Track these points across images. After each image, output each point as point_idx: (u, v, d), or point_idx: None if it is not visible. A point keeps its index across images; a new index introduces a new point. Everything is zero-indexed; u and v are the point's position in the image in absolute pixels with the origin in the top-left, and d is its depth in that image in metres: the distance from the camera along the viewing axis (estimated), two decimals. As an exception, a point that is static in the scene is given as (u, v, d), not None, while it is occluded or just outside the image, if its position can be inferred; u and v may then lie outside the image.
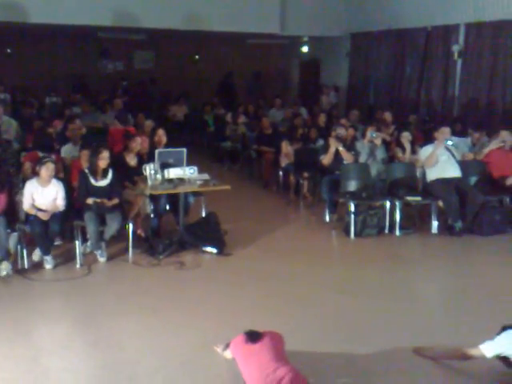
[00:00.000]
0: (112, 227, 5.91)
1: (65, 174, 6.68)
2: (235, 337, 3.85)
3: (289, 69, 17.31)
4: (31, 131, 8.60)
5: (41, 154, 6.69)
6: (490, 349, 3.75)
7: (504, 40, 10.01)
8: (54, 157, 6.54)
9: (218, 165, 10.91)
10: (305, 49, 16.37)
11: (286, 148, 8.82)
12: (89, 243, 6.06)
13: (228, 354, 3.96)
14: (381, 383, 3.91)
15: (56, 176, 6.00)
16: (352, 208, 6.86)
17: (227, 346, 3.97)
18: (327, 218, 7.53)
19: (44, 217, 5.70)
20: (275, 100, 12.64)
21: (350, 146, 7.80)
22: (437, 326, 4.76)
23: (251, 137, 10.31)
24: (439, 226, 7.08)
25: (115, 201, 6.00)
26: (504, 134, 7.57)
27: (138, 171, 6.53)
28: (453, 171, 7.21)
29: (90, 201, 5.87)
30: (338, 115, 11.28)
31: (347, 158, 7.54)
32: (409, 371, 4.04)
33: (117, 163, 6.38)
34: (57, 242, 6.19)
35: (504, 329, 3.80)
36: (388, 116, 9.92)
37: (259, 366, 3.55)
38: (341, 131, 7.88)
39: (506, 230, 7.05)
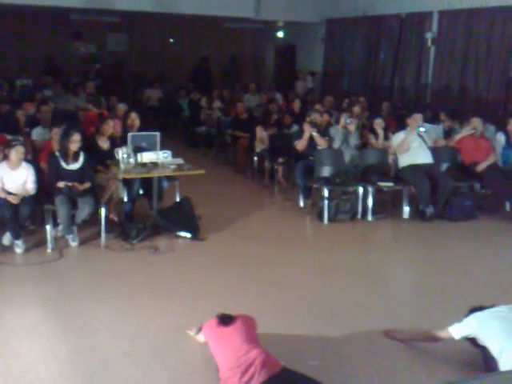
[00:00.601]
0: (84, 211, 5.85)
1: (35, 157, 6.58)
2: (208, 320, 3.86)
3: (264, 54, 17.24)
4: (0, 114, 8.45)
5: (9, 137, 6.58)
6: (458, 330, 3.83)
7: (476, 28, 10.12)
8: (21, 139, 6.45)
9: (192, 150, 10.85)
10: (280, 34, 16.32)
11: (261, 133, 8.81)
12: (60, 227, 5.99)
13: (201, 337, 3.98)
14: (352, 365, 3.97)
15: (25, 158, 5.90)
16: (326, 193, 6.90)
17: (200, 329, 3.98)
18: (301, 204, 7.57)
19: (14, 200, 5.60)
20: (250, 85, 12.60)
21: (323, 131, 7.83)
22: (407, 308, 4.85)
23: (226, 122, 10.27)
24: (411, 212, 7.18)
25: (87, 185, 5.92)
26: (475, 121, 7.67)
27: (110, 155, 6.45)
28: (424, 157, 7.29)
29: (61, 184, 5.79)
30: (312, 101, 11.31)
31: (321, 143, 7.56)
32: (379, 353, 4.11)
33: (89, 146, 6.30)
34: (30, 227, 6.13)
35: (471, 311, 3.89)
36: (363, 101, 10.01)
37: (231, 349, 3.58)
38: (315, 117, 7.90)
39: (475, 216, 7.19)
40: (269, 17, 14.00)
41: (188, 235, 6.26)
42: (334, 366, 3.93)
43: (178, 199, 6.79)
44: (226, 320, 3.76)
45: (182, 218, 6.34)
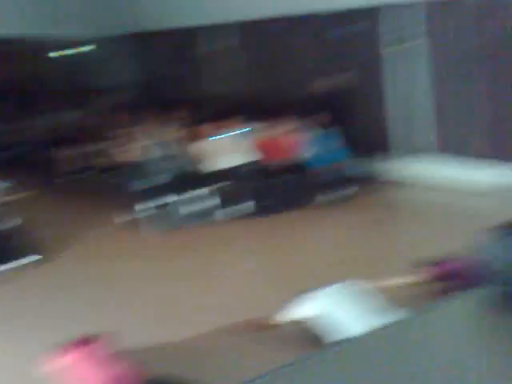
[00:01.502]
0: None
1: None
2: (59, 348, 3.67)
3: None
4: None
5: None
6: (295, 314, 4.17)
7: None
8: None
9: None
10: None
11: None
12: None
13: (55, 367, 3.75)
14: (206, 365, 4.07)
15: None
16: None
17: (55, 359, 3.76)
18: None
19: None
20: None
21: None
22: (247, 300, 4.97)
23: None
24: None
25: None
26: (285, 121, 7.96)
27: None
28: (230, 161, 7.63)
29: None
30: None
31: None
32: (227, 349, 4.27)
33: None
34: None
35: (306, 293, 4.22)
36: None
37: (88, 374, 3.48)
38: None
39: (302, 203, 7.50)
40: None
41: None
42: (186, 369, 3.95)
43: None
44: (77, 344, 3.64)
45: None
